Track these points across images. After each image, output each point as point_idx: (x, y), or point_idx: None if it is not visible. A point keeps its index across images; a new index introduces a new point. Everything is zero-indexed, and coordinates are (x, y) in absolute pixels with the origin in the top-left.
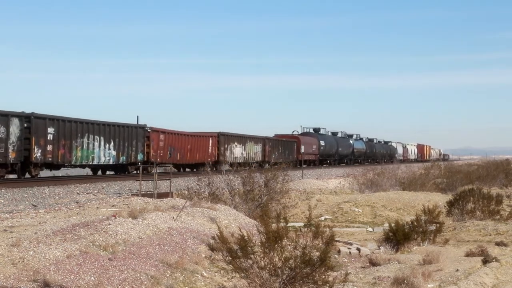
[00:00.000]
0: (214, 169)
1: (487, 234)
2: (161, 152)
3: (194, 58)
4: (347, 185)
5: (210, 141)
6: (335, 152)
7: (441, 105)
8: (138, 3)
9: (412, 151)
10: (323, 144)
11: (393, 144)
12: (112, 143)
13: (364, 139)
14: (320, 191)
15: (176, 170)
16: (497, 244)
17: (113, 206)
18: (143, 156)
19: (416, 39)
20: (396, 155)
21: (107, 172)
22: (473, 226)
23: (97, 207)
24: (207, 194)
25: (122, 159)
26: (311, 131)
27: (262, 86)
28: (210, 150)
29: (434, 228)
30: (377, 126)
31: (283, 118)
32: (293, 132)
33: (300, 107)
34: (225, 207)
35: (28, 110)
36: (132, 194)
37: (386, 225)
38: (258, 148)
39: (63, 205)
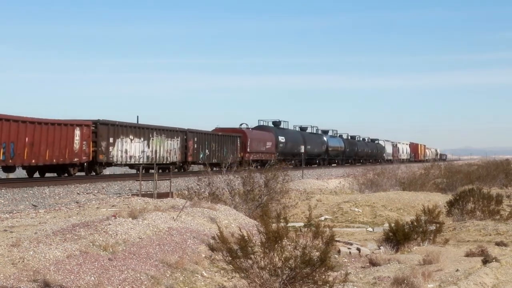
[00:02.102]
0: (93, 173)
1: (487, 234)
2: None
3: (194, 58)
4: (347, 185)
5: (78, 132)
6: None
7: (441, 105)
8: (138, 3)
9: (404, 151)
10: (283, 140)
11: (381, 143)
12: None
13: (343, 136)
14: (320, 191)
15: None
16: (497, 244)
17: (113, 206)
18: None
19: (416, 39)
20: (384, 154)
21: None
22: (473, 226)
23: (97, 207)
24: (207, 194)
25: None
26: (270, 124)
27: (262, 86)
28: (77, 146)
29: (434, 228)
30: (377, 126)
31: (282, 118)
32: (240, 125)
33: (300, 107)
34: (225, 207)
35: (28, 110)
36: (132, 194)
37: (386, 225)
38: (174, 144)
39: (63, 205)
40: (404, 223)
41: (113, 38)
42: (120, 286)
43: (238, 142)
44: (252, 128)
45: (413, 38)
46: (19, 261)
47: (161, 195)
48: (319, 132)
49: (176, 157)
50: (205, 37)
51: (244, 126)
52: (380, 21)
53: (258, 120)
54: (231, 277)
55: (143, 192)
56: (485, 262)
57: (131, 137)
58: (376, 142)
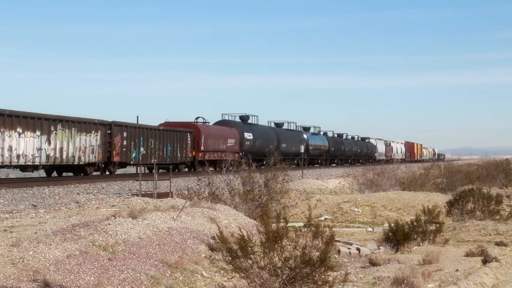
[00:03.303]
0: None
1: (487, 234)
2: None
3: (194, 58)
4: (347, 185)
5: None
6: (274, 150)
7: (441, 105)
8: (138, 3)
9: (399, 150)
10: (251, 137)
11: (372, 141)
12: None
13: (329, 134)
14: (320, 191)
15: None
16: (497, 244)
17: (113, 206)
18: None
19: (416, 39)
20: (376, 154)
21: None
22: (473, 226)
23: (97, 207)
24: (207, 194)
25: None
26: (237, 119)
27: (262, 86)
28: None
29: (434, 228)
30: (377, 127)
31: (282, 118)
32: (196, 119)
33: (299, 107)
34: (225, 207)
35: (27, 110)
36: (132, 194)
37: (386, 225)
38: (91, 140)
39: (63, 205)
40: (404, 223)
41: (113, 38)
42: (120, 286)
43: (189, 139)
44: (213, 123)
45: (413, 38)
46: (19, 261)
47: (161, 195)
48: (299, 129)
49: (95, 157)
50: (204, 37)
51: (200, 120)
52: (380, 21)
53: (222, 114)
54: (231, 277)
55: (143, 192)
56: (485, 262)
57: (19, 130)
58: (366, 140)
